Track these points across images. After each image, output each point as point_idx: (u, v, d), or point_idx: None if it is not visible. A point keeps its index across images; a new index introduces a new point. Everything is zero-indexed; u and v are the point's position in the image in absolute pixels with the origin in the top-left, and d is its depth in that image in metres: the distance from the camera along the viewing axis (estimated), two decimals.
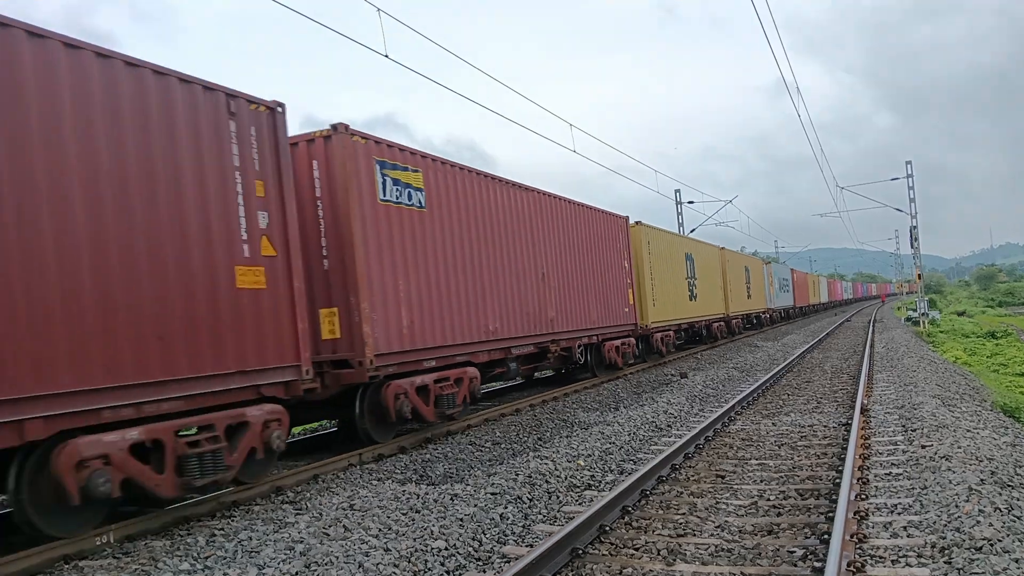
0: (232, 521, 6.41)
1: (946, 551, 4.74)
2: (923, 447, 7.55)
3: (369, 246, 8.99)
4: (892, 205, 35.56)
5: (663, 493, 6.99)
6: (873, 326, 34.22)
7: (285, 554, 5.29)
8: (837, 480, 6.82)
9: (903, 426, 9.05)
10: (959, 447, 7.20)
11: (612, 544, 5.59)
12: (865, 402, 11.16)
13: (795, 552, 5.15)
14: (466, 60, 12.94)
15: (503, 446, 9.67)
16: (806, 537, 5.46)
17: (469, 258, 11.13)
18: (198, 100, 6.84)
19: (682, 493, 6.97)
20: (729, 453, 8.62)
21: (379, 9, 10.01)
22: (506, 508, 6.39)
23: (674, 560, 5.18)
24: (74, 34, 5.97)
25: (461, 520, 5.94)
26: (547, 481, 7.21)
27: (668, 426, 10.60)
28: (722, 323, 28.80)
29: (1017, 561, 4.37)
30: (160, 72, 6.50)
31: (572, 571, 5.11)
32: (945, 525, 5.16)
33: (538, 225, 13.62)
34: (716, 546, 5.38)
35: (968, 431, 8.08)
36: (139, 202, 6.19)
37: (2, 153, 5.27)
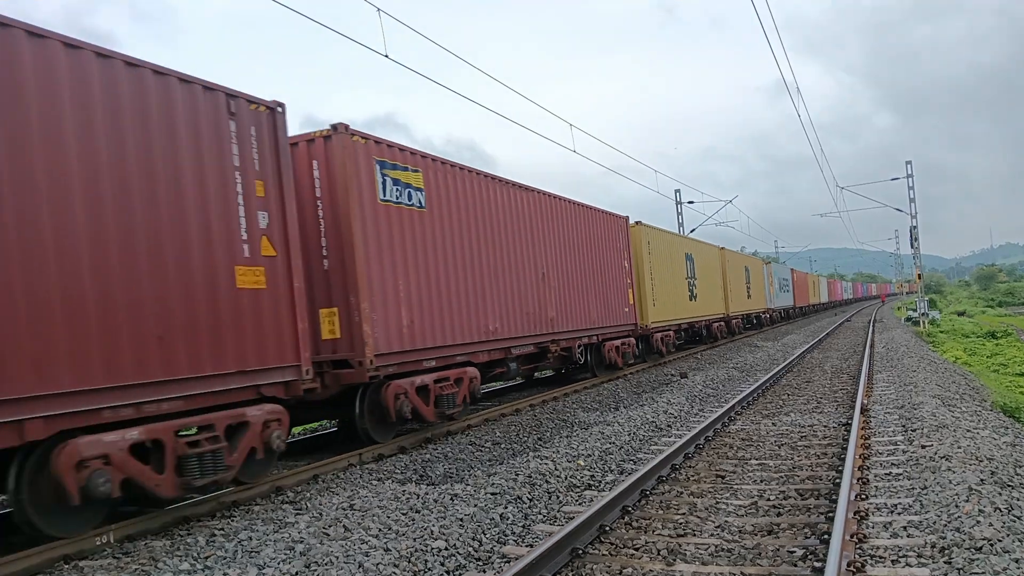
0: (232, 521, 6.40)
1: (946, 551, 4.74)
2: (923, 447, 7.55)
3: (369, 246, 8.99)
4: (892, 205, 35.59)
5: (663, 493, 6.99)
6: (873, 326, 34.22)
7: (285, 554, 5.29)
8: (837, 480, 6.82)
9: (903, 426, 9.05)
10: (959, 447, 7.20)
11: (612, 544, 5.59)
12: (865, 402, 11.16)
13: (795, 552, 5.15)
14: (466, 60, 12.95)
15: (503, 446, 9.67)
16: (806, 537, 5.46)
17: (469, 258, 11.13)
18: (198, 100, 6.84)
19: (682, 493, 6.97)
20: (729, 453, 8.62)
21: (379, 9, 10.01)
22: (506, 508, 6.39)
23: (674, 560, 5.18)
24: (74, 34, 6.00)
25: (461, 520, 5.94)
26: (547, 481, 7.22)
27: (668, 426, 10.60)
28: (722, 323, 28.79)
29: (1017, 561, 4.37)
30: (160, 72, 6.50)
31: (572, 571, 5.11)
32: (945, 525, 5.16)
33: (538, 225, 13.63)
34: (716, 546, 5.39)
35: (968, 431, 8.08)
36: (139, 202, 6.19)
37: (2, 153, 5.27)
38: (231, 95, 7.18)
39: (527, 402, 13.12)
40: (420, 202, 10.07)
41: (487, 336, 11.41)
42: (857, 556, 4.90)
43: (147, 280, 6.17)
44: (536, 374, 16.47)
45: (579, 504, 6.79)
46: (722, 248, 30.53)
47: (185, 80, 6.74)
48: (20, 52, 5.43)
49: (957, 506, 5.43)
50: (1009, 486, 5.97)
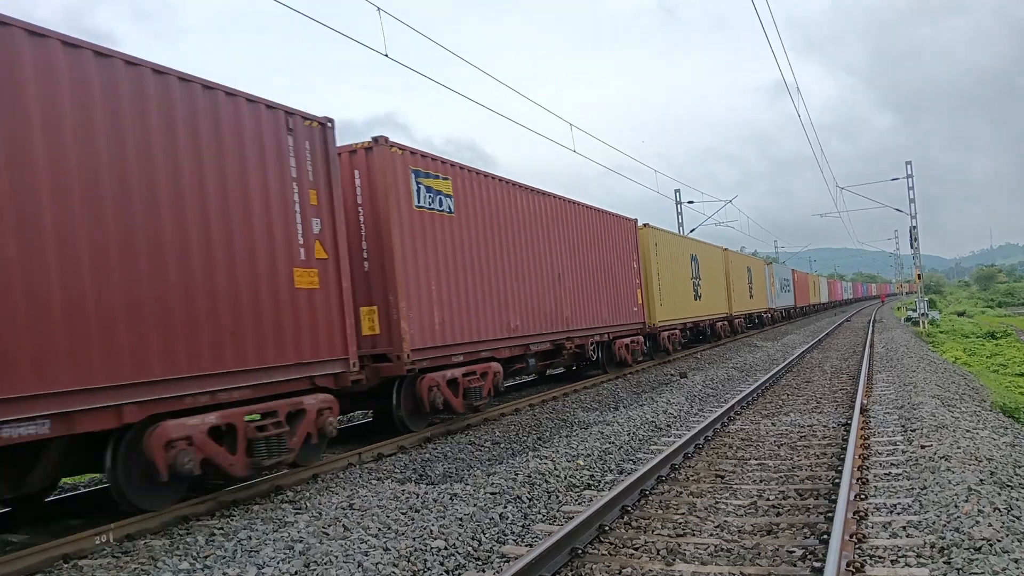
0: (231, 520, 6.40)
1: (945, 551, 4.74)
2: (922, 447, 7.55)
3: (406, 249, 9.74)
4: (892, 205, 35.59)
5: (662, 493, 6.99)
6: (873, 326, 34.23)
7: (284, 553, 5.29)
8: (836, 480, 6.82)
9: (903, 426, 9.05)
10: (958, 447, 7.20)
11: (612, 544, 5.59)
12: (865, 402, 11.16)
13: (794, 552, 5.15)
14: (466, 60, 12.95)
15: (503, 446, 9.67)
16: (805, 537, 5.46)
17: (492, 259, 11.84)
18: (262, 118, 7.52)
19: (681, 493, 6.97)
20: (728, 453, 8.62)
21: (379, 8, 10.01)
22: (505, 508, 6.39)
23: (673, 560, 5.18)
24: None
25: (460, 520, 5.94)
26: (547, 481, 7.22)
27: (668, 426, 10.60)
28: (725, 322, 29.08)
29: (1016, 561, 4.37)
30: (230, 93, 7.15)
31: (572, 571, 5.10)
32: (944, 525, 5.16)
33: (554, 228, 14.30)
34: (715, 546, 5.38)
35: (967, 431, 8.08)
36: (214, 213, 6.86)
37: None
38: (289, 112, 7.86)
39: (527, 402, 13.13)
40: (449, 208, 10.84)
41: (509, 333, 12.12)
42: (856, 556, 4.90)
43: (223, 279, 6.88)
44: (548, 371, 17.04)
45: (579, 504, 6.79)
46: (725, 249, 30.82)
47: (251, 100, 7.39)
48: (117, 80, 6.09)
49: (956, 506, 5.43)
50: (1008, 486, 5.97)
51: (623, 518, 6.18)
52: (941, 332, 30.86)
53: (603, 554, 5.40)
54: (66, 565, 5.40)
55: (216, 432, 6.62)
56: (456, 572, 5.14)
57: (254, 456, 6.97)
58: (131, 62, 6.21)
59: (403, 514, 6.21)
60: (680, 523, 5.97)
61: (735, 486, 7.10)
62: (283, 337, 7.48)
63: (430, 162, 10.55)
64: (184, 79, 6.69)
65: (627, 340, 17.85)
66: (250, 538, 5.72)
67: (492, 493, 6.72)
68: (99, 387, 5.71)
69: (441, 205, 10.62)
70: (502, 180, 12.44)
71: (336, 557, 5.13)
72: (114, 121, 6.01)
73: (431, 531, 5.64)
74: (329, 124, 8.41)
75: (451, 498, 6.61)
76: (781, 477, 7.30)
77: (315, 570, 4.95)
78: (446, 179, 10.80)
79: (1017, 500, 5.56)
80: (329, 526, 5.89)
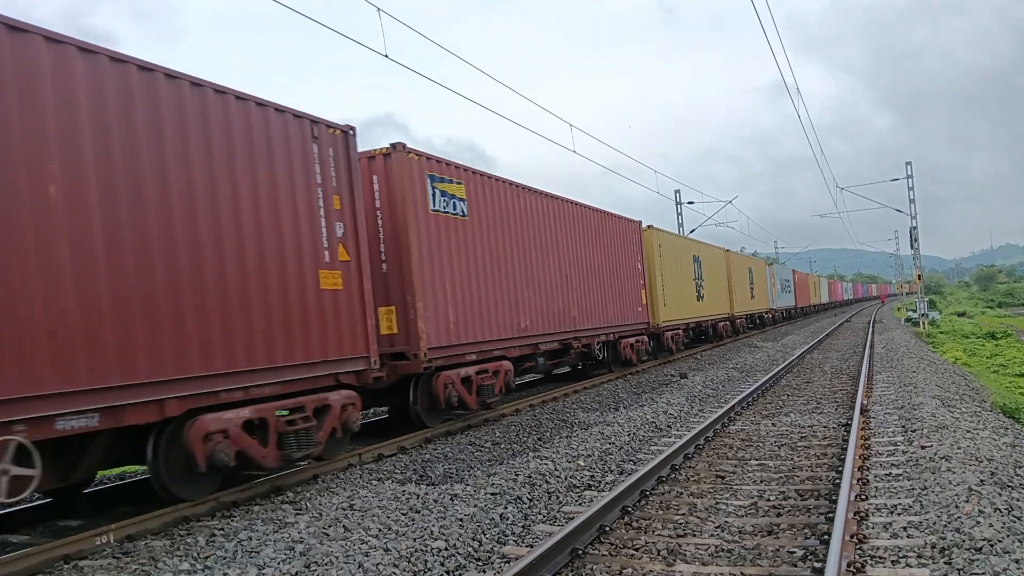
0: (232, 521, 6.41)
1: (946, 551, 4.74)
2: (923, 448, 7.54)
3: (423, 251, 10.06)
4: (892, 206, 35.60)
5: (663, 493, 6.98)
6: (873, 327, 34.23)
7: (285, 554, 5.29)
8: (837, 480, 6.82)
9: (903, 427, 9.05)
10: (959, 448, 7.20)
11: (612, 544, 5.59)
12: (865, 403, 11.15)
13: (795, 552, 5.15)
14: (466, 60, 12.95)
15: (503, 446, 9.67)
16: (806, 537, 5.45)
17: (503, 261, 12.15)
18: (289, 127, 7.79)
19: (682, 493, 6.97)
20: (729, 454, 8.62)
21: (379, 9, 10.01)
22: (506, 508, 6.39)
23: (674, 560, 5.18)
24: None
25: (461, 520, 5.94)
26: (547, 481, 7.21)
27: (668, 426, 10.59)
28: (727, 322, 29.27)
29: (1017, 562, 4.36)
30: (261, 103, 7.42)
31: (572, 571, 5.10)
32: (945, 526, 5.15)
33: (562, 230, 14.61)
34: (716, 546, 5.38)
35: (968, 432, 8.08)
36: (247, 220, 7.13)
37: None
38: (314, 121, 8.13)
39: (527, 402, 13.14)
40: (463, 211, 11.14)
41: (519, 333, 12.46)
42: (857, 556, 4.90)
43: (254, 281, 7.19)
44: (554, 371, 17.23)
45: (579, 504, 6.79)
46: (727, 250, 31.02)
47: (279, 110, 7.67)
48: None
49: (957, 507, 5.43)
50: (1009, 486, 5.97)
51: (624, 519, 6.18)
52: (941, 332, 30.87)
53: (603, 555, 5.39)
54: (67, 566, 5.40)
55: (249, 426, 6.93)
56: (456, 573, 5.13)
57: (284, 448, 7.31)
58: (171, 75, 6.53)
59: (403, 515, 6.21)
60: (681, 523, 5.97)
61: (735, 486, 7.10)
62: (310, 336, 7.80)
63: (445, 167, 10.81)
64: (219, 91, 6.97)
65: (632, 340, 18.16)
66: (251, 539, 5.72)
67: (492, 494, 6.71)
68: (144, 382, 6.04)
69: (455, 209, 10.93)
70: (512, 184, 12.72)
71: (336, 558, 5.13)
72: (156, 133, 6.34)
73: (431, 532, 5.64)
74: (351, 132, 8.70)
75: (451, 499, 6.61)
76: (781, 477, 7.30)
77: (315, 571, 4.95)
78: (460, 183, 11.09)
79: (1018, 500, 5.55)
80: (329, 527, 5.88)
